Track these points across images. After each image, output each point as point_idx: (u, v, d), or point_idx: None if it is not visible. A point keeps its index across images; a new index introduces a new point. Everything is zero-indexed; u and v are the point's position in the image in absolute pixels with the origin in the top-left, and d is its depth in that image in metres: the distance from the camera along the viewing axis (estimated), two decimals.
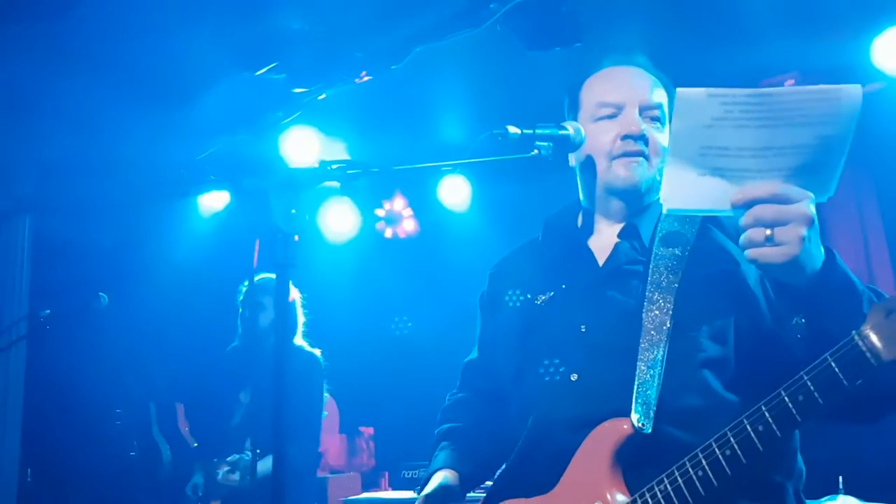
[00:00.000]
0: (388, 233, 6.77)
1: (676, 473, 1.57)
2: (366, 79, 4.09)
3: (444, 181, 6.10)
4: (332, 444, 6.37)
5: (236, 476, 3.90)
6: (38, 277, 5.27)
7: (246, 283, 4.17)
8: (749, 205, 1.45)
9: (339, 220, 6.37)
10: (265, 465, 3.59)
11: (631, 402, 1.66)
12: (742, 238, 1.46)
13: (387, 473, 5.86)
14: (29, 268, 5.27)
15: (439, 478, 1.95)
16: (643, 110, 1.89)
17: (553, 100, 2.10)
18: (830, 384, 1.41)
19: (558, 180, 2.09)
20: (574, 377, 1.78)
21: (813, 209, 1.44)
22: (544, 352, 1.85)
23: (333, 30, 4.12)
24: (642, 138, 1.86)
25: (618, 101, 1.89)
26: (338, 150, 5.40)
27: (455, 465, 1.99)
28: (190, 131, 4.90)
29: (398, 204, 6.77)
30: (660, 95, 1.92)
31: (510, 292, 2.01)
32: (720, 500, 1.55)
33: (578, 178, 2.00)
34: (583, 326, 1.81)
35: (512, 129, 1.76)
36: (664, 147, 1.85)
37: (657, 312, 1.72)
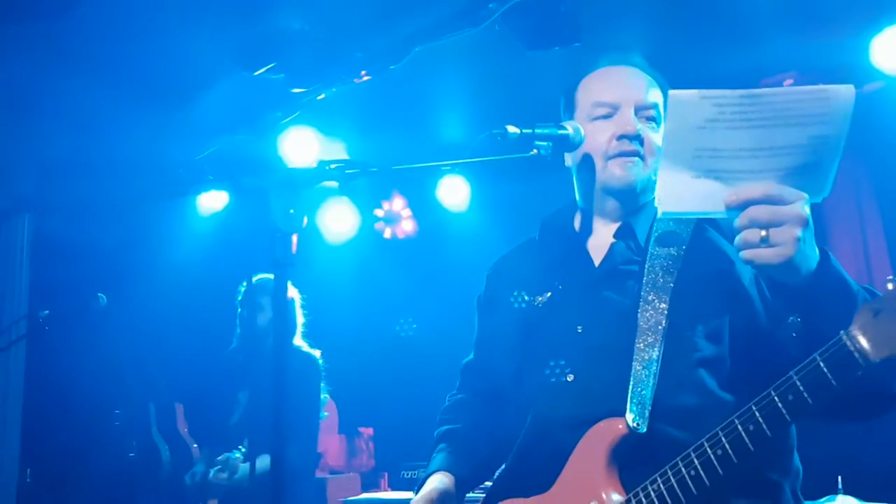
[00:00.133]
0: (388, 233, 6.76)
1: (669, 473, 1.57)
2: (365, 78, 4.09)
3: (443, 181, 6.10)
4: (331, 444, 6.37)
5: (225, 475, 3.91)
6: (38, 277, 5.27)
7: (244, 283, 4.17)
8: (743, 206, 1.45)
9: (338, 220, 6.37)
10: (260, 464, 3.63)
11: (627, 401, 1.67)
12: (737, 239, 1.47)
13: (386, 474, 5.86)
14: (28, 267, 5.27)
15: (434, 481, 1.95)
16: (639, 110, 1.89)
17: (552, 99, 2.10)
18: (819, 384, 1.41)
19: (558, 180, 2.09)
20: (570, 377, 1.78)
21: (807, 210, 1.44)
22: (541, 352, 1.85)
23: (332, 30, 4.12)
24: (638, 138, 1.86)
25: (613, 101, 1.90)
26: (337, 150, 5.40)
27: (451, 467, 1.99)
28: (189, 131, 4.90)
29: (397, 204, 6.77)
30: (655, 95, 1.92)
31: (507, 293, 2.01)
32: (714, 499, 1.55)
33: (574, 178, 2.00)
34: (579, 327, 1.82)
35: (511, 129, 1.76)
36: (659, 147, 1.86)
37: (652, 312, 1.73)
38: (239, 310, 4.24)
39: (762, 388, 1.49)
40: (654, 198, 1.70)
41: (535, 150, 1.78)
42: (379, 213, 6.75)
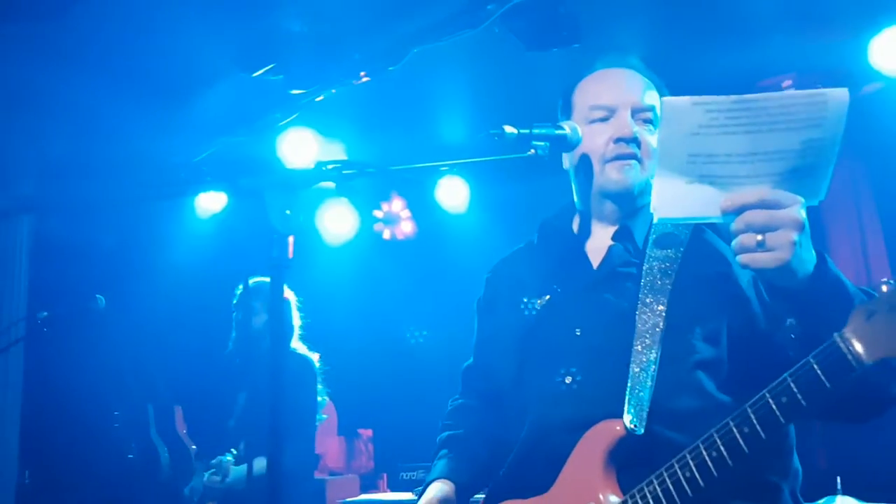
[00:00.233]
0: (387, 234, 6.77)
1: (665, 474, 1.57)
2: (364, 80, 4.09)
3: (442, 182, 6.09)
4: (330, 446, 6.37)
5: (218, 477, 3.93)
6: (37, 278, 5.27)
7: (240, 286, 4.19)
8: (739, 211, 1.45)
9: (337, 221, 6.37)
10: (257, 466, 3.63)
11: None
12: (734, 243, 1.47)
13: (385, 475, 5.86)
14: (27, 268, 5.27)
15: (434, 489, 1.95)
16: (635, 112, 1.89)
17: (551, 100, 2.10)
18: (813, 386, 1.42)
19: (557, 181, 2.09)
20: (569, 380, 1.78)
21: (803, 214, 1.45)
22: (540, 355, 1.85)
23: (331, 31, 4.12)
24: (634, 141, 1.86)
25: (610, 104, 1.90)
26: (336, 151, 5.40)
27: (451, 474, 1.98)
28: (188, 132, 4.91)
29: (396, 205, 6.78)
30: (652, 97, 1.92)
31: (506, 296, 2.01)
32: (711, 501, 1.55)
33: (572, 181, 2.00)
34: (577, 330, 1.82)
35: (508, 129, 1.76)
36: (656, 150, 1.86)
37: (650, 314, 1.73)
38: (234, 313, 4.25)
39: (761, 390, 1.49)
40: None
41: (532, 151, 1.77)
42: (378, 214, 6.76)
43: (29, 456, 5.26)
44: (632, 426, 1.64)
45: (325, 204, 6.29)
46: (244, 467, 3.92)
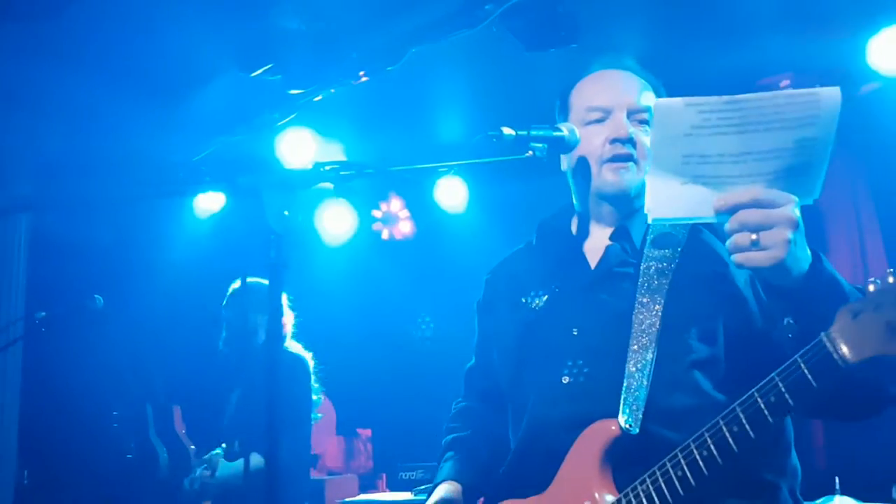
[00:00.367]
0: (385, 234, 6.76)
1: (658, 473, 1.58)
2: (364, 79, 4.09)
3: (441, 182, 6.09)
4: (329, 446, 6.37)
5: (209, 472, 3.96)
6: (35, 278, 5.27)
7: (231, 287, 4.21)
8: (733, 210, 1.46)
9: (335, 221, 6.37)
10: (253, 462, 3.67)
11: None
12: (728, 243, 1.48)
13: (384, 475, 5.87)
14: (25, 268, 5.26)
15: (441, 491, 1.97)
16: (631, 113, 1.89)
17: (550, 100, 2.11)
18: (800, 386, 1.43)
19: (555, 181, 2.09)
20: (566, 380, 1.79)
21: (797, 212, 1.45)
22: (538, 355, 1.86)
23: (329, 31, 4.12)
24: (630, 141, 1.87)
25: (605, 105, 1.90)
26: (334, 151, 5.40)
27: (458, 476, 2.00)
28: (186, 130, 4.90)
29: (395, 205, 6.77)
30: (648, 98, 1.92)
31: (506, 297, 2.02)
32: (706, 499, 1.56)
33: (570, 183, 2.01)
34: (575, 329, 1.83)
35: (506, 131, 1.76)
36: None
37: (647, 314, 1.74)
38: (224, 312, 4.26)
39: None
40: None
41: (530, 153, 1.78)
42: (377, 214, 6.75)
43: (27, 456, 5.25)
44: (627, 426, 1.65)
45: (324, 204, 6.29)
46: (237, 463, 3.96)
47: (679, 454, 1.56)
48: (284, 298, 4.16)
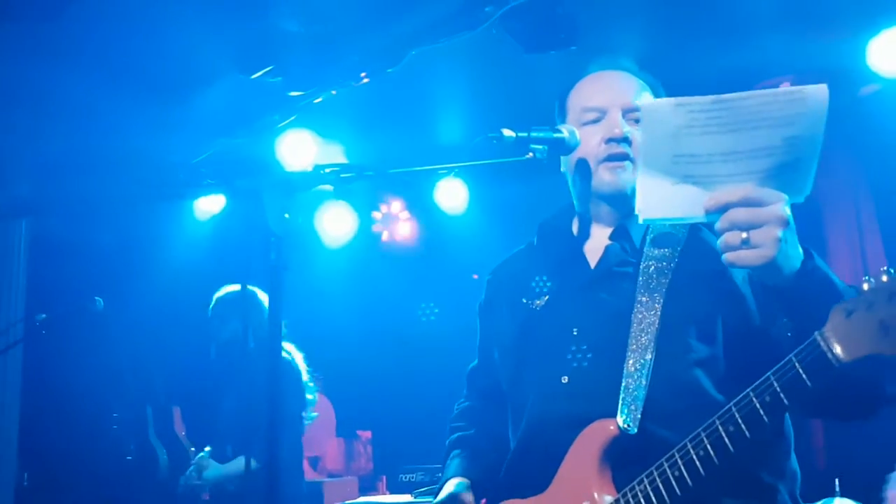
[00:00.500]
0: (386, 236, 6.76)
1: (655, 473, 1.59)
2: (364, 81, 4.09)
3: (441, 184, 6.09)
4: (329, 447, 6.37)
5: (196, 473, 4.01)
6: (36, 279, 5.27)
7: (215, 297, 4.24)
8: (723, 209, 1.46)
9: (336, 223, 6.37)
10: (236, 465, 3.89)
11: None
12: (719, 242, 1.48)
13: (384, 477, 5.86)
14: (26, 270, 5.26)
15: (451, 486, 1.97)
16: (626, 113, 1.90)
17: (550, 102, 2.11)
18: (795, 385, 1.43)
19: (555, 182, 2.10)
20: (565, 379, 1.79)
21: (788, 210, 1.45)
22: (539, 354, 1.87)
23: (329, 33, 4.12)
24: (626, 140, 1.87)
25: (601, 105, 1.91)
26: (334, 153, 5.40)
27: (466, 472, 2.00)
28: (186, 131, 4.90)
29: (395, 207, 6.77)
30: (646, 98, 1.93)
31: (507, 298, 2.02)
32: (703, 499, 1.56)
33: (569, 184, 2.01)
34: (575, 329, 1.83)
35: (507, 132, 1.76)
36: None
37: (646, 313, 1.74)
38: (210, 322, 4.29)
39: None
40: None
41: (530, 154, 1.78)
42: (377, 215, 6.75)
43: (28, 457, 5.25)
44: (625, 426, 1.66)
45: (324, 206, 6.29)
46: (225, 465, 3.99)
47: (676, 454, 1.56)
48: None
